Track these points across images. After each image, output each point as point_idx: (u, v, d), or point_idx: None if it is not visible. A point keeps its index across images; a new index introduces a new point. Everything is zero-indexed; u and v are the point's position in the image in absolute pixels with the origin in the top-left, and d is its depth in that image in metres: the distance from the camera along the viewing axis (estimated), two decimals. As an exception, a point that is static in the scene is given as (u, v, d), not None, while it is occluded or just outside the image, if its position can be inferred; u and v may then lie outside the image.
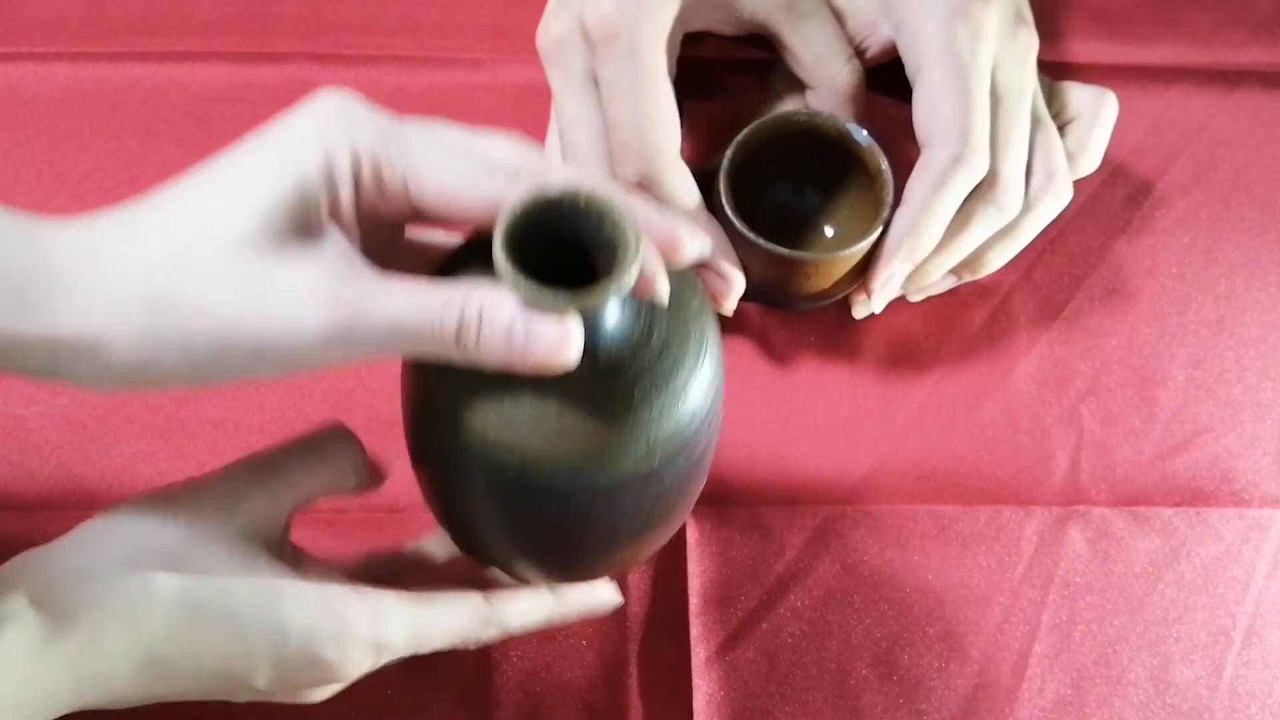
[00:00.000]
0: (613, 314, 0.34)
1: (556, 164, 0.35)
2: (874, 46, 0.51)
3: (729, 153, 0.49)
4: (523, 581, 0.42)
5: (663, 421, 0.35)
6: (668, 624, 0.49)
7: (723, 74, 0.57)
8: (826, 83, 0.51)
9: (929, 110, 0.48)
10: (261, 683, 0.36)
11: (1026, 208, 0.50)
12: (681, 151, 0.48)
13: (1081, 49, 0.59)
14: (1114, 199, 0.57)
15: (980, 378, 0.54)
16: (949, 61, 0.47)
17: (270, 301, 0.32)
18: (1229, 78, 0.59)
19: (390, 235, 0.37)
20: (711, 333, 0.37)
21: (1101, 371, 0.54)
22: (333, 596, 0.37)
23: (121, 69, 0.57)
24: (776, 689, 0.49)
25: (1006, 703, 0.49)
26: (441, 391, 0.36)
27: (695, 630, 0.49)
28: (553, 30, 0.49)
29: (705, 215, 0.49)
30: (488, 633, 0.40)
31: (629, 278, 0.31)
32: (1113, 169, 0.54)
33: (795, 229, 0.52)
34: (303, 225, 0.32)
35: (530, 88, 0.55)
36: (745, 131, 0.49)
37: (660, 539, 0.42)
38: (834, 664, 0.49)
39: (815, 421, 0.53)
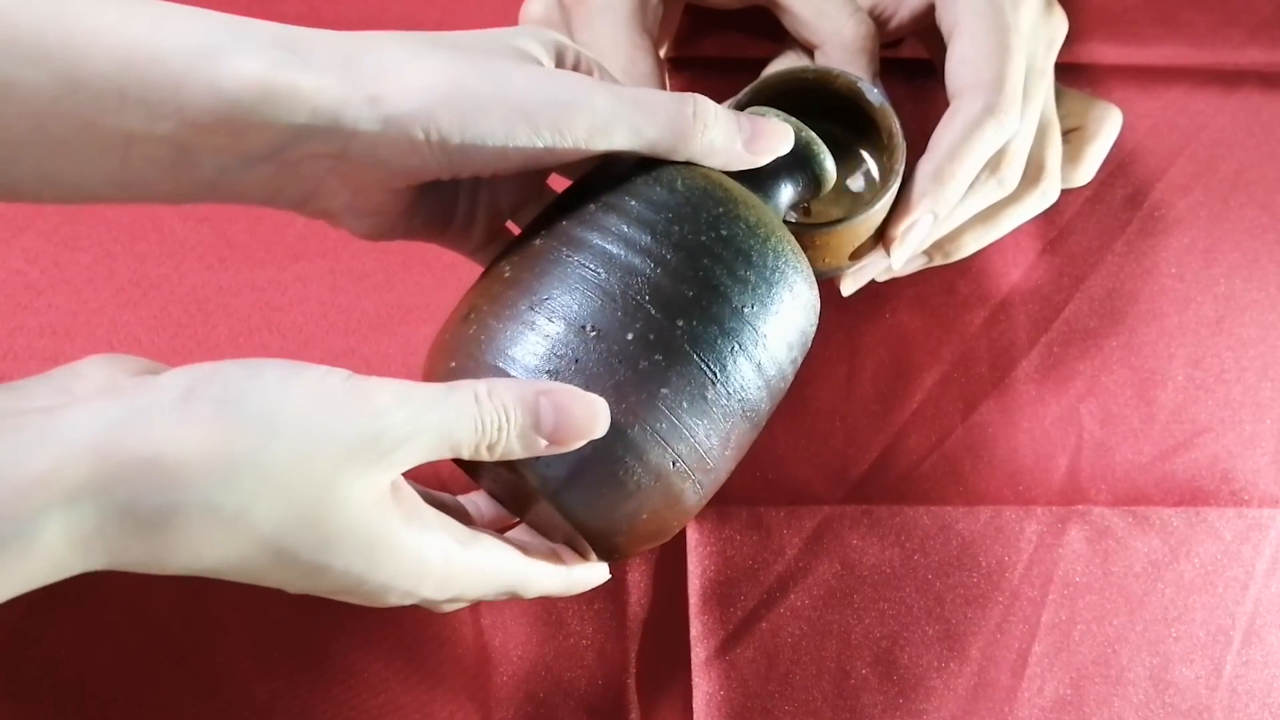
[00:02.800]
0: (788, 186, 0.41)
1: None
2: (901, 13, 0.49)
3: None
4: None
5: (813, 300, 0.40)
6: (668, 624, 0.49)
7: (720, 73, 0.56)
8: (832, 37, 0.48)
9: (963, 61, 0.46)
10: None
11: (1012, 198, 0.49)
12: None
13: (1081, 49, 0.59)
14: (1114, 199, 0.57)
15: (979, 378, 0.54)
16: (990, 15, 0.46)
17: (555, 80, 0.36)
18: (1229, 78, 0.59)
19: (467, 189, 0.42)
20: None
21: (1101, 372, 0.54)
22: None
23: (121, 69, 0.57)
24: (776, 688, 0.49)
25: (1006, 702, 0.49)
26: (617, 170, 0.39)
27: (695, 630, 0.49)
28: (533, 10, 0.49)
29: None
30: (514, 586, 0.37)
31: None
32: (1113, 169, 0.54)
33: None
34: (547, 59, 0.38)
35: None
36: (748, 90, 0.46)
37: (732, 461, 0.40)
38: (834, 663, 0.49)
39: (815, 421, 0.53)
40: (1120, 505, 0.52)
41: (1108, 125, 0.52)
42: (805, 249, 0.44)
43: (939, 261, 0.51)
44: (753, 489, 0.51)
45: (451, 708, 0.48)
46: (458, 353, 0.37)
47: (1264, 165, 0.58)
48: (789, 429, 0.53)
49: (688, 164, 0.38)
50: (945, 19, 0.47)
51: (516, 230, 0.42)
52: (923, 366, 0.54)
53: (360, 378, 0.33)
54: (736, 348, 0.37)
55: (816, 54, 0.49)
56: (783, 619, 0.50)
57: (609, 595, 0.49)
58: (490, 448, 0.34)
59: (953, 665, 0.49)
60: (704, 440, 0.37)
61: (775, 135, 0.39)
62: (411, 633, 0.48)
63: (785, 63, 0.50)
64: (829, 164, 0.41)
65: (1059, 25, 0.49)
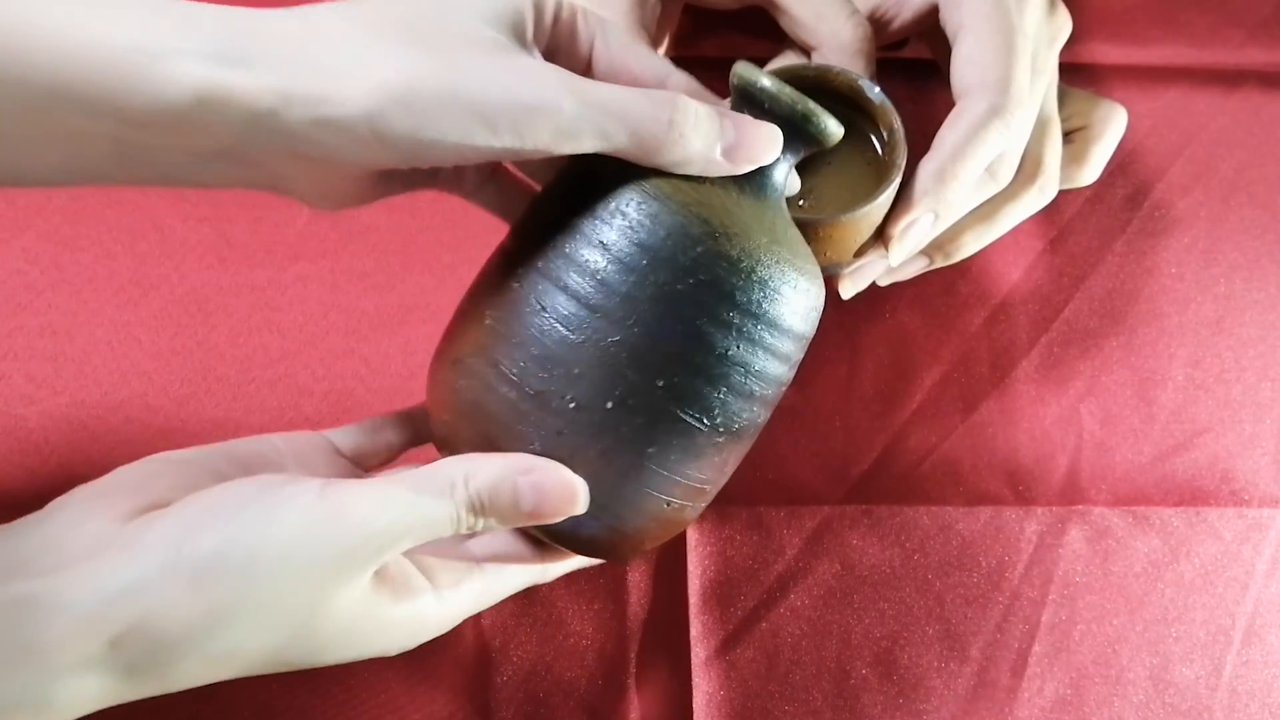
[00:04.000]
0: (784, 170, 0.38)
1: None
2: (904, 14, 0.49)
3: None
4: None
5: (816, 304, 0.39)
6: (668, 624, 0.49)
7: (720, 72, 0.56)
8: (830, 39, 0.48)
9: (969, 62, 0.46)
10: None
11: (1010, 196, 0.49)
12: None
13: (1082, 49, 0.59)
14: (1114, 199, 0.57)
15: (980, 378, 0.54)
16: (995, 16, 0.46)
17: (497, 67, 0.34)
18: (1229, 78, 0.59)
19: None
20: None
21: (1101, 372, 0.54)
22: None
23: (121, 69, 0.57)
24: (776, 688, 0.49)
25: (1006, 702, 0.49)
26: (600, 174, 0.37)
27: (695, 630, 0.49)
28: None
29: None
30: (505, 595, 0.39)
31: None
32: (1113, 169, 0.54)
33: (798, 191, 0.48)
34: (516, 36, 0.35)
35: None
36: None
37: (729, 469, 0.40)
38: (834, 663, 0.49)
39: (815, 421, 0.53)
40: (1120, 505, 0.52)
41: (1113, 125, 0.52)
42: (809, 241, 0.44)
43: (939, 263, 0.51)
44: (753, 489, 0.51)
45: (451, 708, 0.48)
46: (449, 409, 0.38)
47: (1264, 165, 0.58)
48: (789, 429, 0.53)
49: (669, 177, 0.36)
50: (950, 20, 0.47)
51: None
52: (923, 366, 0.54)
53: (336, 489, 0.33)
54: (725, 390, 0.36)
55: (814, 56, 0.49)
56: (783, 619, 0.50)
57: (609, 595, 0.49)
58: (471, 528, 0.35)
59: (953, 665, 0.49)
60: (697, 477, 0.38)
61: (759, 145, 0.37)
62: (411, 633, 0.48)
63: (785, 62, 0.50)
64: (829, 124, 0.39)
65: (1062, 23, 0.49)
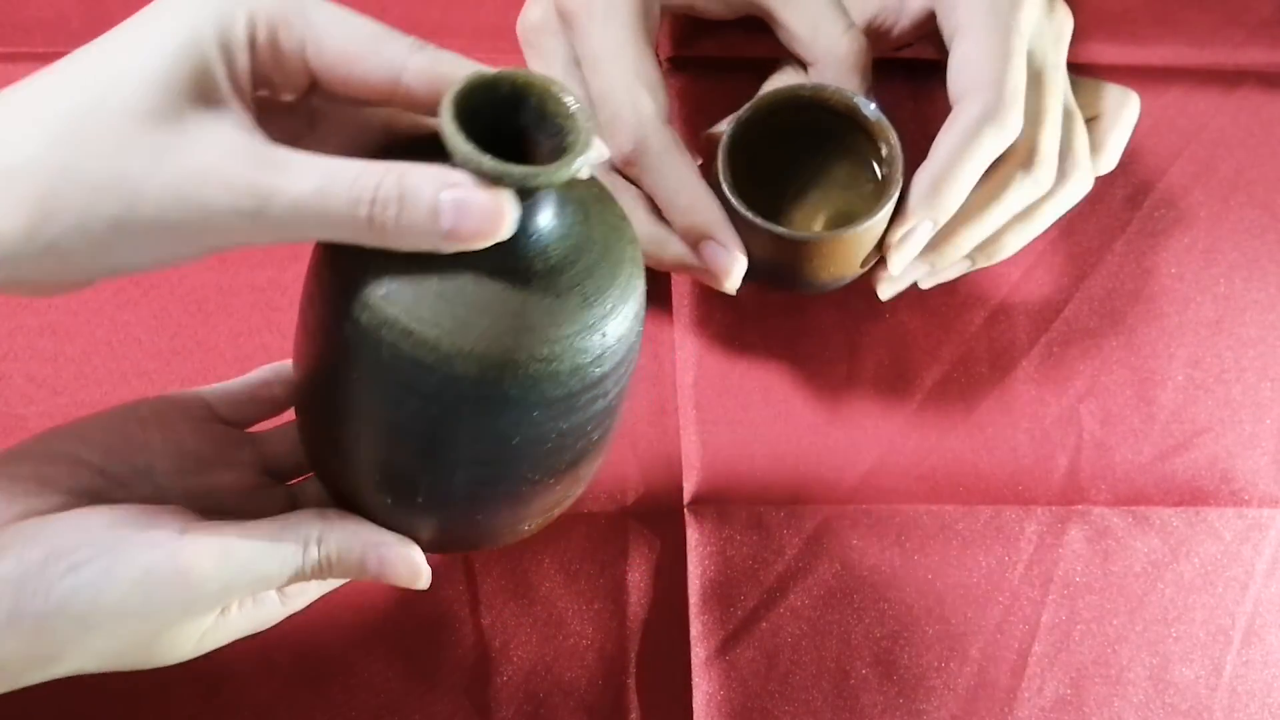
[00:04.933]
0: (551, 209, 0.32)
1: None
2: (902, 21, 0.50)
3: (729, 128, 0.46)
4: (399, 527, 0.38)
5: (615, 319, 0.34)
6: (668, 623, 0.49)
7: (720, 73, 0.57)
8: (826, 54, 0.48)
9: (963, 66, 0.46)
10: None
11: (1049, 192, 0.49)
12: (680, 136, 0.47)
13: (1082, 49, 0.59)
14: (1114, 199, 0.57)
15: (979, 378, 0.54)
16: (990, 20, 0.46)
17: (171, 175, 0.30)
18: (1229, 78, 0.59)
19: (297, 125, 0.35)
20: (635, 238, 0.36)
21: (1101, 372, 0.54)
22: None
23: (121, 69, 0.57)
24: (776, 688, 0.49)
25: (1006, 702, 0.49)
26: (352, 269, 0.32)
27: (695, 630, 0.49)
28: (531, 17, 0.49)
29: (704, 186, 0.46)
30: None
31: (584, 158, 0.29)
32: (1112, 169, 0.54)
33: (799, 208, 0.50)
34: (202, 94, 0.30)
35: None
36: (746, 107, 0.47)
37: (584, 482, 0.40)
38: (834, 663, 0.49)
39: (815, 421, 0.53)
40: (1120, 505, 0.52)
41: (1126, 110, 0.52)
42: (811, 259, 0.46)
43: (982, 264, 0.51)
44: (753, 489, 0.51)
45: (451, 708, 0.48)
46: (321, 463, 0.40)
47: (1264, 165, 0.58)
48: (789, 428, 0.53)
49: (398, 283, 0.32)
50: (946, 24, 0.47)
51: None
52: (923, 366, 0.54)
53: (190, 543, 0.34)
54: (532, 461, 0.36)
55: (810, 70, 0.50)
56: (783, 619, 0.50)
57: (609, 595, 0.49)
58: (310, 579, 0.37)
59: (953, 665, 0.49)
60: (545, 498, 0.38)
61: (486, 222, 0.30)
62: (412, 633, 0.48)
63: (783, 78, 0.50)
64: (555, 174, 0.30)
65: (1064, 20, 0.49)
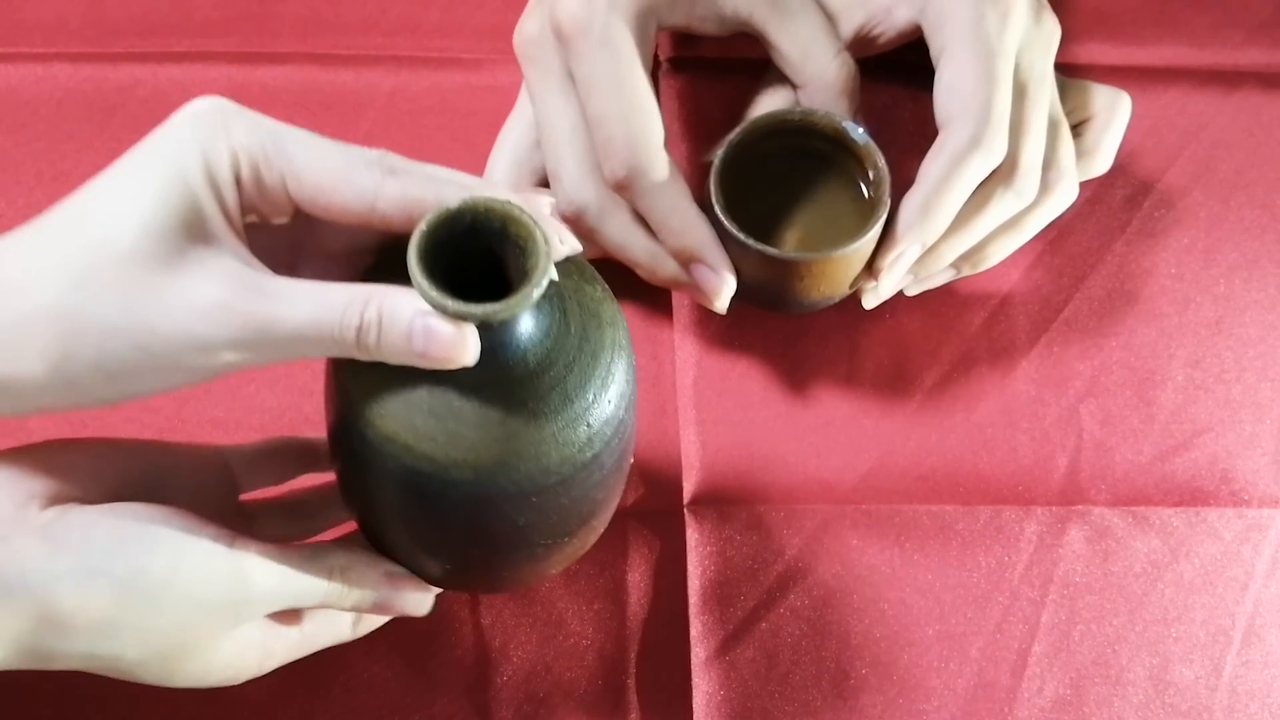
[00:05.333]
0: (525, 317, 0.35)
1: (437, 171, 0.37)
2: (888, 32, 0.50)
3: (720, 152, 0.48)
4: (434, 585, 0.42)
5: (599, 406, 0.37)
6: (667, 624, 0.49)
7: (719, 74, 0.57)
8: (815, 79, 0.49)
9: (950, 90, 0.47)
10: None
11: (1034, 202, 0.49)
12: (671, 150, 0.48)
13: (1081, 49, 0.59)
14: (1113, 199, 0.57)
15: (979, 378, 0.54)
16: (975, 43, 0.46)
17: (178, 314, 0.32)
18: (1229, 78, 0.59)
19: (288, 240, 0.38)
20: (617, 313, 0.39)
21: (1100, 372, 0.54)
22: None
23: (121, 69, 0.57)
24: (776, 688, 0.49)
25: (1006, 702, 0.49)
26: (356, 389, 0.36)
27: (695, 630, 0.49)
28: (527, 29, 0.49)
29: (696, 207, 0.48)
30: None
31: (540, 287, 0.32)
32: (1113, 169, 0.54)
33: (790, 230, 0.51)
34: (198, 233, 0.33)
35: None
36: (737, 131, 0.48)
37: (600, 529, 0.43)
38: (833, 663, 0.49)
39: (815, 421, 0.53)
40: (1120, 505, 0.52)
41: (1119, 112, 0.52)
42: (802, 278, 0.48)
43: (968, 273, 0.52)
44: (753, 489, 0.51)
45: (452, 708, 0.48)
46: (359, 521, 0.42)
47: (1264, 165, 0.58)
48: (789, 428, 0.53)
49: (392, 405, 0.35)
50: (933, 42, 0.49)
51: None
52: (923, 366, 0.54)
53: (241, 552, 0.36)
54: (531, 551, 0.39)
55: (799, 93, 0.51)
56: (782, 619, 0.50)
57: (609, 595, 0.49)
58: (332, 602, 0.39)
59: (952, 665, 0.49)
60: (563, 552, 0.41)
61: (449, 355, 0.33)
62: (412, 633, 0.48)
63: (772, 99, 0.52)
64: (513, 309, 0.33)
65: (1052, 30, 0.50)
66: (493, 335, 0.34)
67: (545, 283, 0.32)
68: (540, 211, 0.35)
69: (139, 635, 0.35)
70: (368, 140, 0.56)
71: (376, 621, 0.44)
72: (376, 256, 0.38)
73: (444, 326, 0.33)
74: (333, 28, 0.59)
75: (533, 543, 0.39)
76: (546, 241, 0.33)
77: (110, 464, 0.39)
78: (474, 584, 0.45)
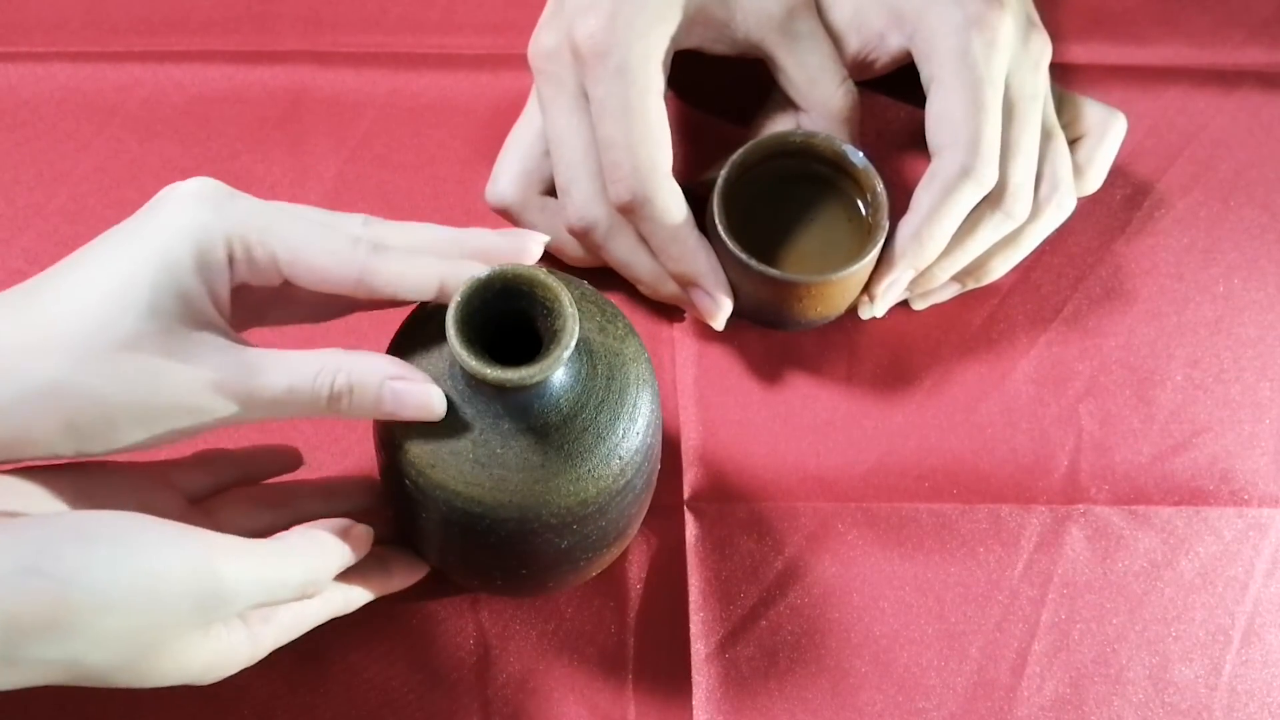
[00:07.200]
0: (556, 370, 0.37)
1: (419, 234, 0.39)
2: (883, 58, 0.51)
3: (723, 172, 0.49)
4: (488, 594, 0.48)
5: (629, 439, 0.40)
6: (668, 621, 0.49)
7: (722, 85, 0.57)
8: (820, 105, 0.51)
9: (940, 119, 0.48)
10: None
11: (1031, 216, 0.50)
12: (674, 167, 0.48)
13: (1081, 49, 0.59)
14: (1113, 199, 0.57)
15: (979, 378, 0.54)
16: (963, 71, 0.47)
17: (173, 391, 0.35)
18: (1229, 78, 0.59)
19: (262, 296, 0.40)
20: (640, 348, 0.42)
21: (1100, 371, 0.54)
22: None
23: (121, 69, 0.57)
24: (776, 686, 0.49)
25: (1005, 701, 0.49)
26: (404, 440, 0.39)
27: (695, 627, 0.49)
28: (543, 43, 0.49)
29: (696, 234, 0.49)
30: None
31: (569, 349, 0.35)
32: (1113, 169, 0.54)
33: (789, 250, 0.52)
34: (188, 317, 0.36)
35: (531, 88, 0.55)
36: (740, 151, 0.49)
37: (633, 534, 0.46)
38: (833, 661, 0.49)
39: (815, 420, 0.53)
40: (1120, 505, 0.52)
41: (1113, 130, 0.53)
42: (800, 299, 0.49)
43: (971, 286, 0.53)
44: (753, 488, 0.51)
45: (451, 707, 0.48)
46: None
47: (1264, 165, 0.58)
48: (789, 428, 0.53)
49: (427, 450, 0.39)
50: (923, 70, 0.50)
51: None
52: (923, 366, 0.54)
53: (203, 545, 0.35)
54: (585, 548, 0.42)
55: (802, 117, 0.52)
56: (782, 616, 0.50)
57: (609, 593, 0.49)
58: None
59: (952, 663, 0.49)
60: (603, 559, 0.44)
61: (419, 413, 0.38)
62: (411, 633, 0.48)
63: (777, 123, 0.53)
64: (515, 376, 0.36)
65: (1041, 49, 0.50)
66: (528, 389, 0.37)
67: (574, 343, 0.35)
68: (534, 253, 0.39)
69: (94, 636, 0.34)
70: (368, 139, 0.57)
71: (369, 594, 0.43)
72: (399, 332, 0.41)
73: (411, 389, 0.37)
74: (333, 27, 0.59)
75: (575, 559, 0.42)
76: (573, 304, 0.36)
77: (54, 486, 0.38)
78: (523, 592, 0.48)
